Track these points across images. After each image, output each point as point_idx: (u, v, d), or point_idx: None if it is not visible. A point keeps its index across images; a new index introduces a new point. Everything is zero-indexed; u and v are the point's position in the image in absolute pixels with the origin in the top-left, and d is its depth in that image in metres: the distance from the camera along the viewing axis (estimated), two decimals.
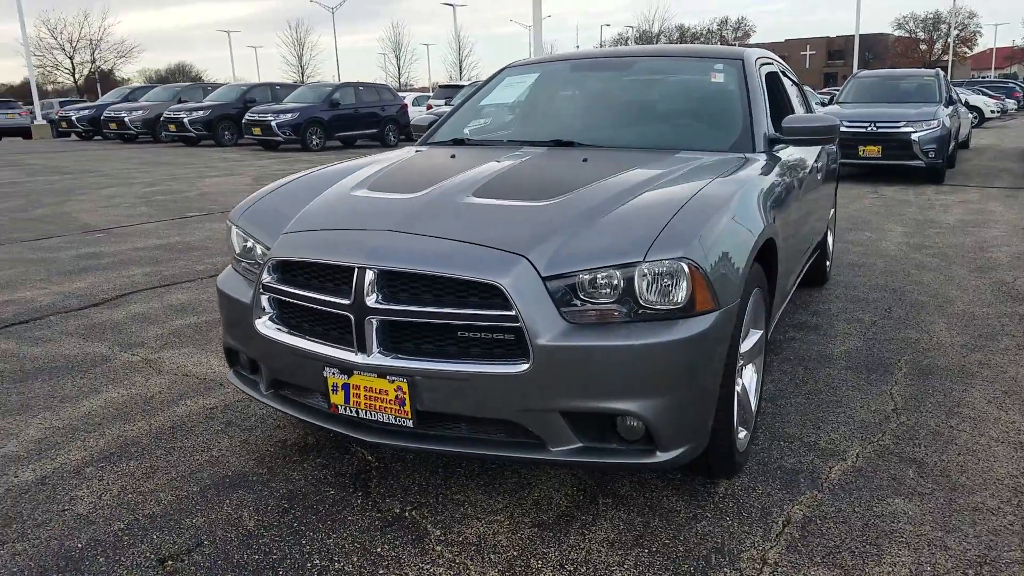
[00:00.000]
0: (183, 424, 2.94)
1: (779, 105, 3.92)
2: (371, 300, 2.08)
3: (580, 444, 2.09)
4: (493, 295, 2.00)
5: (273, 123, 17.98)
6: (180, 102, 21.85)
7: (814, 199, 3.83)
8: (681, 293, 2.03)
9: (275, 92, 21.37)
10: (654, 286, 2.02)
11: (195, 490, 2.46)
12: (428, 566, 2.06)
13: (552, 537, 2.19)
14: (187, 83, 30.34)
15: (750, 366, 2.70)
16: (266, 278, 2.33)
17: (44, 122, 28.55)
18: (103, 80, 62.75)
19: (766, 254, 2.65)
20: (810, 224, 3.78)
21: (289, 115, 18.10)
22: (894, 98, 11.44)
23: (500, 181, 2.56)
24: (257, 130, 18.38)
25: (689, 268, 2.02)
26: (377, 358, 2.10)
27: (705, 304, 2.05)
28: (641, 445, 2.10)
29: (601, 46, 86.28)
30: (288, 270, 2.31)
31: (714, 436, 2.24)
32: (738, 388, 2.51)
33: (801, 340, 3.92)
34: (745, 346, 2.55)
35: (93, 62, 65.08)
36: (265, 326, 2.36)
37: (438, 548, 2.14)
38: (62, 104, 31.49)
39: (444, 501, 2.38)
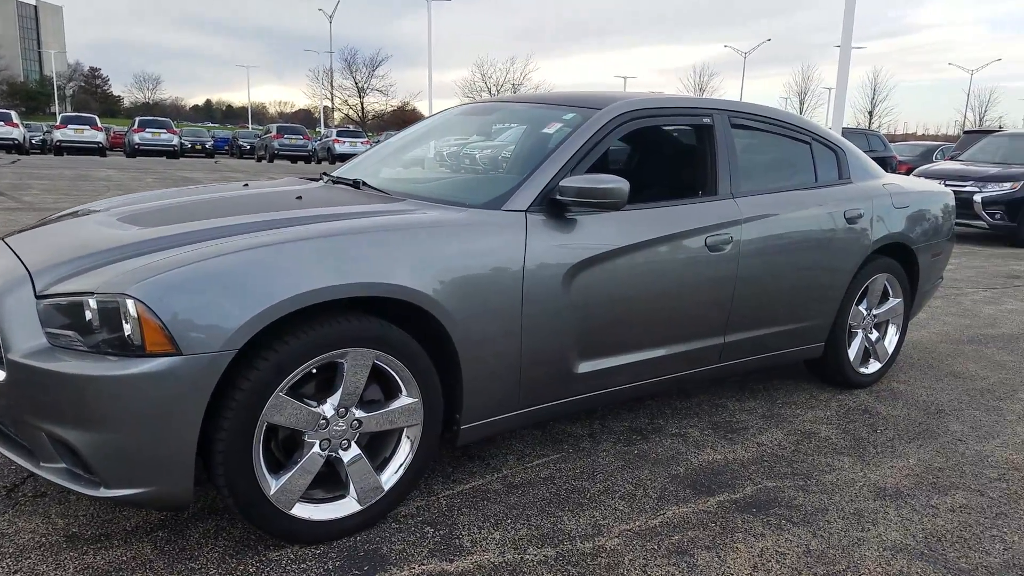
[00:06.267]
0: None
1: (686, 166, 3.42)
2: None
3: (63, 465, 2.17)
4: None
5: None
6: None
7: (722, 276, 3.23)
8: (129, 331, 2.04)
9: None
10: (110, 320, 2.06)
11: None
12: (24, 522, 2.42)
13: (112, 542, 2.37)
14: None
15: (402, 433, 2.52)
16: None
17: None
18: None
19: (416, 310, 2.45)
20: (694, 303, 3.20)
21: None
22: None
23: (162, 209, 2.82)
24: None
25: (136, 307, 2.02)
26: None
27: (159, 347, 2.03)
28: (93, 476, 2.12)
29: None
30: None
31: (220, 491, 2.20)
32: (349, 454, 2.41)
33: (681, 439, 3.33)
34: (368, 412, 2.42)
35: None
36: None
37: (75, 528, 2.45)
38: None
39: None
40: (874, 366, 4.17)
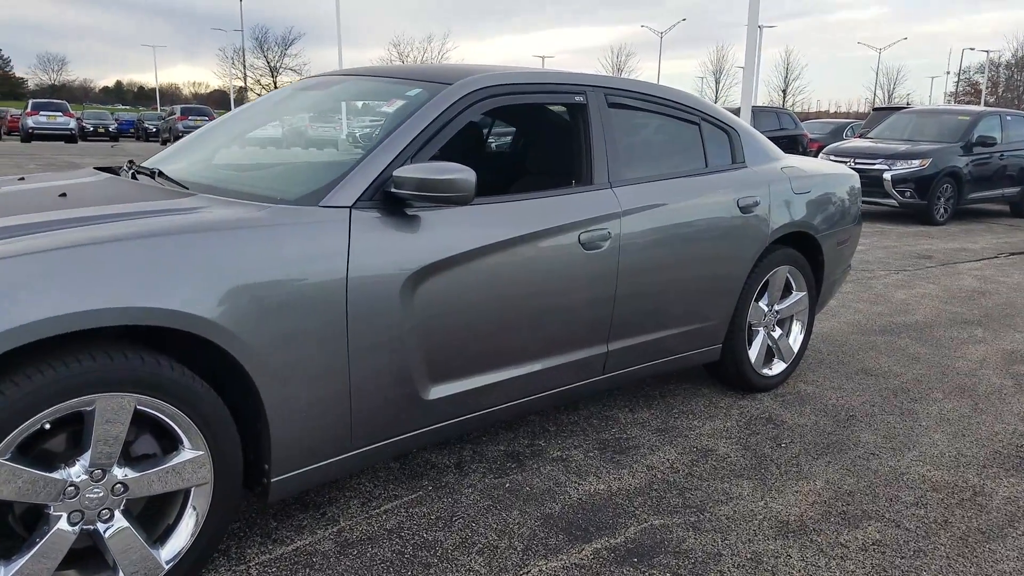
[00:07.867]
0: None
1: (561, 152, 2.95)
2: None
3: None
4: None
5: None
6: None
7: (583, 278, 2.76)
8: None
9: None
10: None
11: None
12: None
13: None
14: None
15: (189, 495, 1.99)
16: None
17: None
18: None
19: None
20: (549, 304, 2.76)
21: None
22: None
23: None
24: None
25: None
26: None
27: None
28: None
29: (960, 73, 74.34)
30: None
31: None
32: (112, 525, 1.86)
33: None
34: (139, 471, 1.87)
35: None
36: None
37: None
38: None
39: None
40: (778, 367, 3.81)
